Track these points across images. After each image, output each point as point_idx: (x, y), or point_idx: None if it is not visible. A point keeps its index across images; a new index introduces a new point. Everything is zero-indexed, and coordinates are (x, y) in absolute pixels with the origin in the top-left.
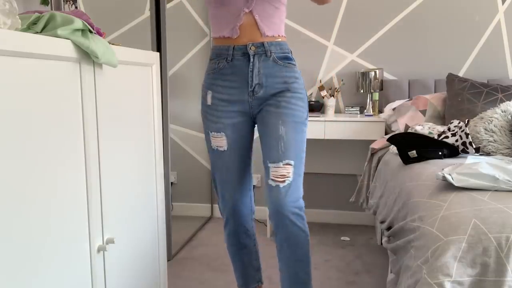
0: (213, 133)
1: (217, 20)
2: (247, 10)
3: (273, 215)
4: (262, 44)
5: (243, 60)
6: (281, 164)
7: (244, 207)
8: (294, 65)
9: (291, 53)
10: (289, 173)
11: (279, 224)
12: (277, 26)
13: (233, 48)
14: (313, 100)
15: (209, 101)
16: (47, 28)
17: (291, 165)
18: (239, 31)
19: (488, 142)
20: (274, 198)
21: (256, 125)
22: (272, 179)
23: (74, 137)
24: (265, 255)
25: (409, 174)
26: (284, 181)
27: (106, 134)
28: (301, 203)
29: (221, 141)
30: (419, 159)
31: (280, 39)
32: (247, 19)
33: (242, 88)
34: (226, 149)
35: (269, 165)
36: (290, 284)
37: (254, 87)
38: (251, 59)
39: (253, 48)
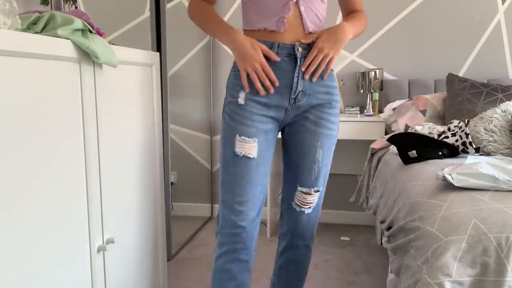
0: (242, 137)
1: (257, 9)
2: (294, 0)
3: (289, 237)
4: (309, 45)
5: (289, 62)
6: (312, 191)
7: (256, 229)
8: (333, 70)
9: None
10: (315, 200)
11: (293, 245)
12: (320, 22)
13: (278, 45)
14: None
15: (241, 101)
16: (47, 28)
17: (319, 191)
18: (286, 24)
19: (488, 142)
20: (295, 221)
21: (280, 133)
22: (298, 204)
23: (74, 137)
24: (265, 255)
25: (409, 174)
26: (310, 208)
27: (106, 134)
28: (317, 225)
29: (250, 148)
30: (419, 159)
31: None
32: (293, 11)
33: (284, 93)
34: (255, 157)
35: (299, 188)
36: None
37: (298, 94)
38: (299, 62)
39: (300, 49)
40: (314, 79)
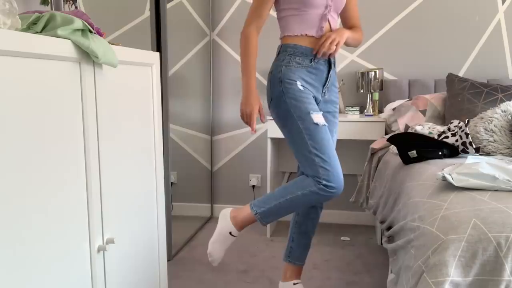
0: (314, 112)
1: (300, 21)
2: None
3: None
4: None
5: (324, 65)
6: None
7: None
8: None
9: None
10: None
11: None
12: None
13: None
14: None
15: (300, 87)
16: (47, 28)
17: None
18: (324, 31)
19: (488, 142)
20: None
21: None
22: None
23: (74, 137)
24: (265, 255)
25: (409, 174)
26: None
27: (106, 134)
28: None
29: (322, 118)
30: (419, 159)
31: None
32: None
33: (319, 88)
34: (326, 124)
35: None
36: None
37: (325, 91)
38: (332, 67)
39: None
40: (324, 57)
